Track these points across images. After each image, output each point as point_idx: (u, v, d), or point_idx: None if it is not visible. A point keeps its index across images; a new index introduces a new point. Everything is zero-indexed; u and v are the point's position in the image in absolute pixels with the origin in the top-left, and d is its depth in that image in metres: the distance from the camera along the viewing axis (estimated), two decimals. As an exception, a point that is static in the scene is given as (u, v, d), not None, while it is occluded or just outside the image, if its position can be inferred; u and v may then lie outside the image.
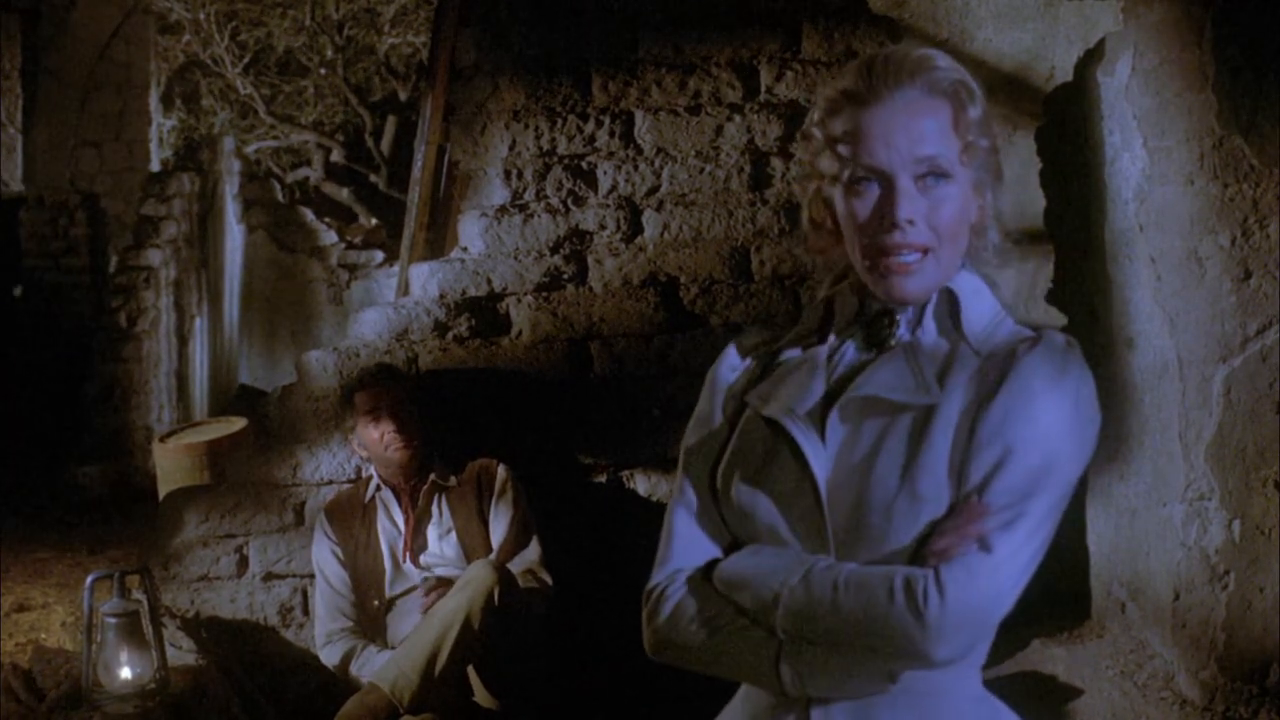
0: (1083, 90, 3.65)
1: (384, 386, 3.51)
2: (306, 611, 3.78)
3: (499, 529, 3.50)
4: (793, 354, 1.40)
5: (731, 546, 1.36)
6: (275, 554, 3.79)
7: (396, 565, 3.50)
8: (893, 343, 1.34)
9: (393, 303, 4.05)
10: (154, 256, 8.34)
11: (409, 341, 3.84)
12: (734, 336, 1.47)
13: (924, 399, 1.28)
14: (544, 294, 3.88)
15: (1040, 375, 1.26)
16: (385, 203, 12.75)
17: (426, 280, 3.93)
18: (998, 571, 1.22)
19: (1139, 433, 3.38)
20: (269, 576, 3.80)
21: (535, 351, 3.85)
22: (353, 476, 3.75)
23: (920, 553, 1.24)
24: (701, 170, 3.92)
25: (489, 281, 3.89)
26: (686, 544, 1.37)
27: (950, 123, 1.30)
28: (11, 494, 7.08)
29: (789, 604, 1.26)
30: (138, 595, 3.08)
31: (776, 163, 3.92)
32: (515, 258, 3.90)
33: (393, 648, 3.38)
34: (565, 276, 3.89)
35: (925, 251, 1.30)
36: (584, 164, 3.96)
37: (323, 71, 13.49)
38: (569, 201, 3.94)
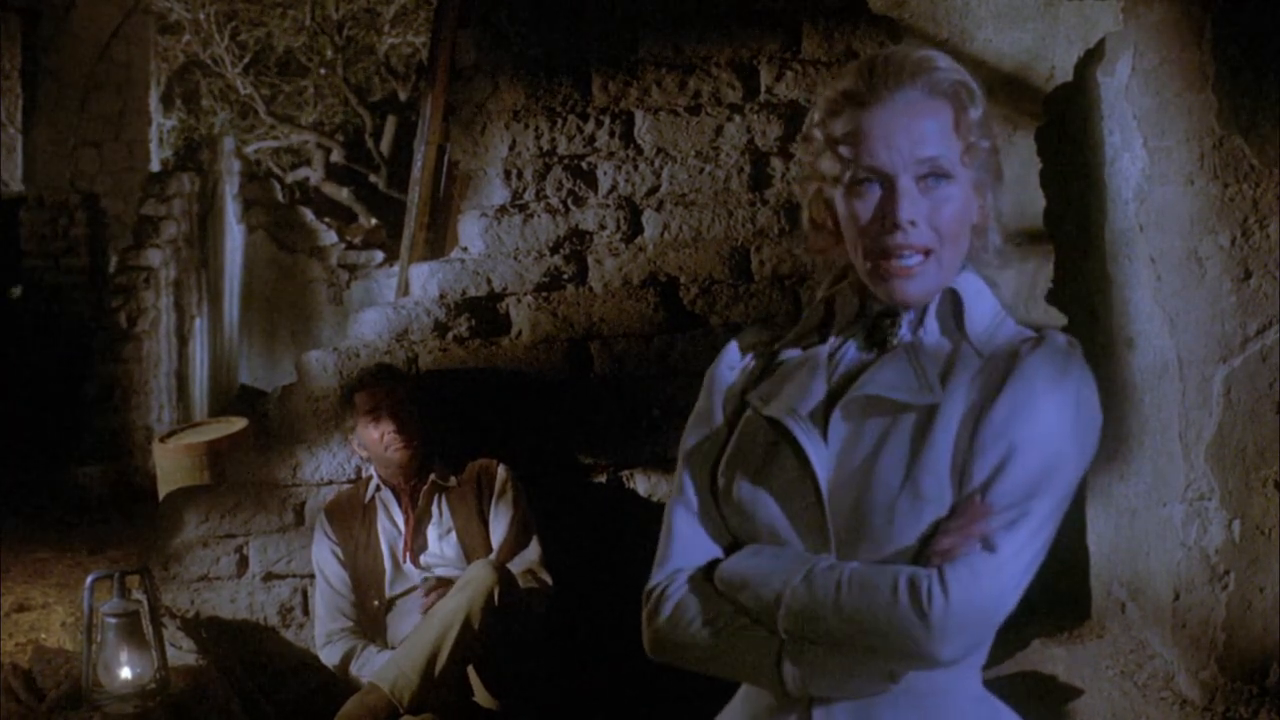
0: (1083, 90, 3.65)
1: (384, 386, 3.51)
2: (306, 611, 3.78)
3: (499, 529, 3.50)
4: (793, 354, 1.40)
5: (731, 546, 1.36)
6: (275, 554, 3.79)
7: (396, 565, 3.50)
8: (894, 343, 1.34)
9: (393, 303, 4.05)
10: (154, 256, 8.35)
11: (409, 341, 3.84)
12: (734, 336, 1.47)
13: (926, 399, 1.28)
14: (544, 294, 3.88)
15: (1043, 376, 1.26)
16: (385, 203, 12.75)
17: (426, 280, 3.93)
18: (1001, 571, 1.22)
19: (1139, 433, 3.38)
20: (269, 576, 3.80)
21: (535, 351, 3.85)
22: (353, 476, 3.75)
23: (923, 552, 1.24)
24: (701, 170, 3.92)
25: (489, 281, 3.89)
26: (686, 544, 1.37)
27: (951, 123, 1.30)
28: (11, 494, 7.08)
29: (791, 604, 1.26)
30: (138, 595, 3.08)
31: (776, 163, 3.92)
32: (515, 258, 3.90)
33: (393, 648, 3.38)
34: (565, 276, 3.89)
35: (927, 253, 1.30)
36: (584, 164, 3.96)
37: (323, 71, 13.50)
38: (569, 201, 3.94)
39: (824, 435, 1.31)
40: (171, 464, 5.67)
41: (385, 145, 13.40)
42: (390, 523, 3.52)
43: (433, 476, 3.53)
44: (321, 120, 13.91)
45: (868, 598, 1.23)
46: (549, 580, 3.47)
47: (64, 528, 6.42)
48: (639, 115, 3.95)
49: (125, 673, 2.99)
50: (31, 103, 10.19)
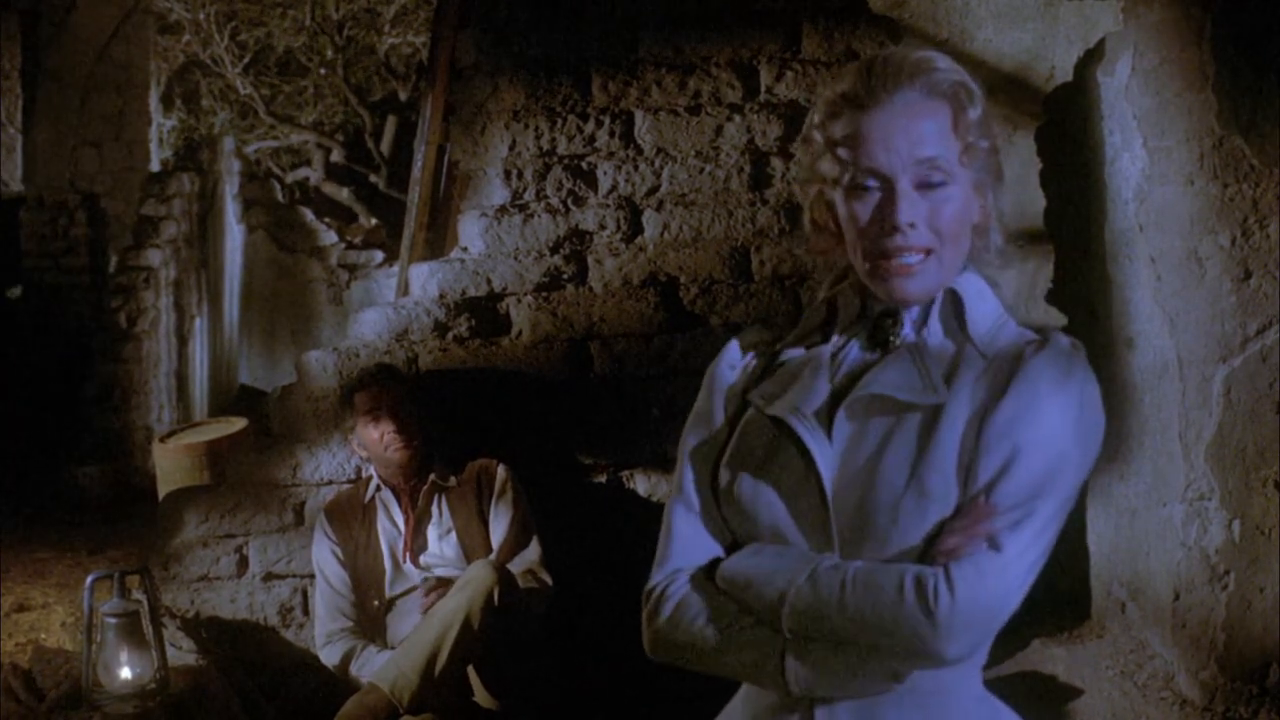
0: (1083, 90, 3.65)
1: (384, 386, 3.51)
2: (306, 611, 3.78)
3: (499, 529, 3.50)
4: (795, 353, 1.40)
5: (731, 546, 1.36)
6: (275, 554, 3.79)
7: (396, 565, 3.50)
8: (897, 343, 1.34)
9: (393, 303, 4.05)
10: (154, 256, 8.35)
11: (409, 341, 3.84)
12: (734, 336, 1.47)
13: (931, 399, 1.28)
14: (544, 294, 3.88)
15: (1047, 378, 1.27)
16: (385, 203, 12.75)
17: (426, 280, 3.93)
18: (1006, 570, 1.23)
19: (1139, 433, 3.38)
20: (269, 576, 3.80)
21: (535, 351, 3.85)
22: (353, 476, 3.75)
23: (928, 552, 1.24)
24: (701, 170, 3.92)
25: (489, 281, 3.89)
26: (687, 543, 1.37)
27: (950, 124, 1.31)
28: (11, 494, 7.08)
29: (796, 602, 1.26)
30: (138, 595, 3.08)
31: (776, 163, 3.92)
32: (515, 258, 3.90)
33: (393, 648, 3.38)
34: (565, 276, 3.89)
35: (927, 253, 1.30)
36: (584, 164, 3.96)
37: (323, 71, 13.49)
38: (569, 201, 3.94)
39: (828, 434, 1.31)
40: (171, 464, 5.66)
41: (385, 145, 13.40)
42: (390, 523, 3.52)
43: (433, 476, 3.53)
44: (321, 120, 13.91)
45: (873, 596, 1.23)
46: (549, 580, 3.47)
47: (64, 528, 6.42)
48: (639, 115, 3.95)
49: (125, 673, 2.99)
50: (31, 103, 10.18)
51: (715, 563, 1.35)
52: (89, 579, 3.03)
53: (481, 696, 3.32)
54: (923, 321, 1.34)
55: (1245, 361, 2.97)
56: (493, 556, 3.42)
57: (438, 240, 4.67)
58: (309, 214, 10.87)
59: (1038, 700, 3.31)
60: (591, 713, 3.62)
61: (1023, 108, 3.84)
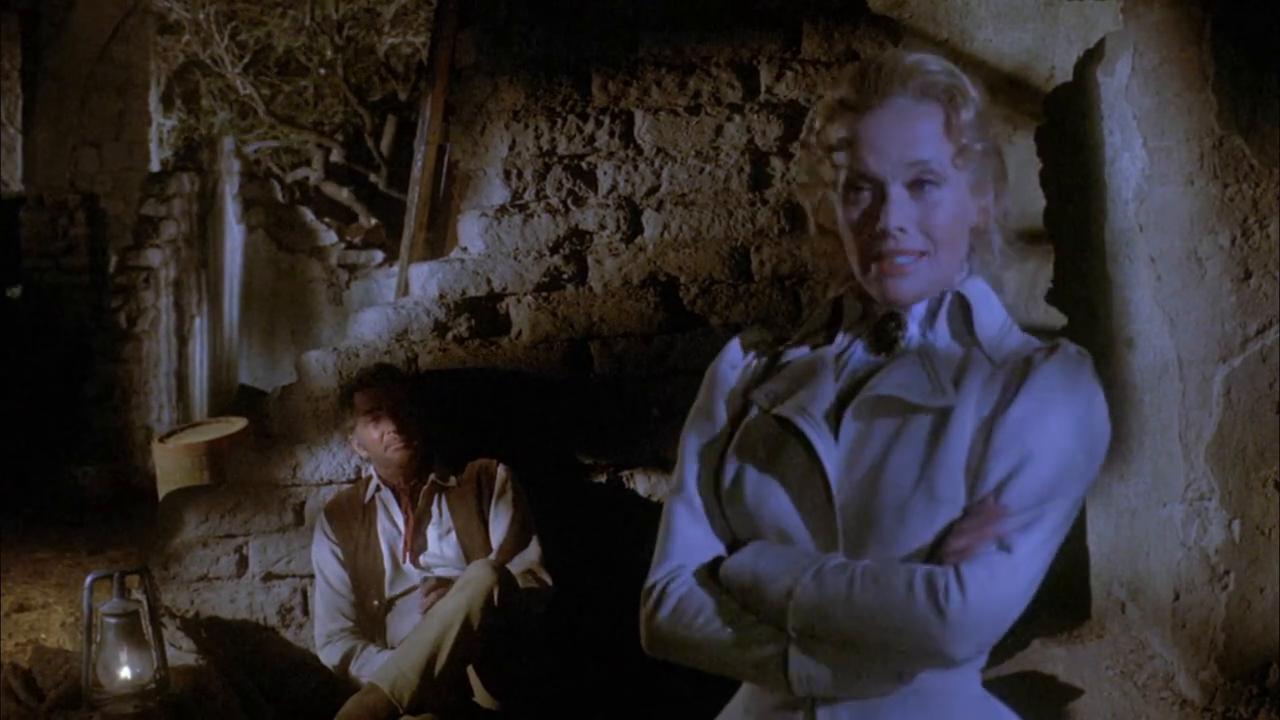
0: (1083, 90, 3.65)
1: (384, 386, 3.51)
2: (306, 611, 3.78)
3: (499, 529, 3.50)
4: (799, 353, 1.41)
5: (732, 545, 1.35)
6: (275, 554, 3.79)
7: (396, 565, 3.50)
8: (901, 345, 1.35)
9: (392, 303, 4.05)
10: (154, 256, 8.35)
11: (409, 341, 3.84)
12: (734, 335, 1.47)
13: (940, 401, 1.29)
14: (544, 294, 3.88)
15: (1057, 385, 1.28)
16: (385, 203, 12.74)
17: (426, 280, 3.93)
18: (1016, 572, 1.23)
19: (1139, 433, 3.38)
20: (269, 576, 3.80)
21: (535, 351, 3.85)
22: (353, 476, 3.75)
23: (937, 552, 1.24)
24: (701, 170, 3.92)
25: (489, 281, 3.89)
26: (687, 541, 1.36)
27: (943, 127, 1.31)
28: (11, 494, 7.08)
29: (801, 600, 1.26)
30: (138, 595, 3.08)
31: (776, 163, 3.92)
32: (515, 258, 3.90)
33: (392, 648, 3.38)
34: (565, 276, 3.89)
35: (920, 255, 1.31)
36: (584, 164, 3.96)
37: (323, 71, 13.49)
38: (569, 201, 3.94)
39: (834, 435, 1.31)
40: (171, 464, 5.67)
41: (385, 145, 13.40)
42: (390, 523, 3.52)
43: (432, 476, 3.53)
44: (321, 120, 13.90)
45: (882, 595, 1.23)
46: (549, 580, 3.47)
47: (64, 528, 6.42)
48: (639, 115, 3.95)
49: (125, 673, 2.99)
50: (31, 103, 10.18)
51: (716, 561, 1.35)
52: (89, 579, 3.03)
53: (481, 696, 3.32)
54: (929, 324, 1.35)
55: (1245, 361, 2.97)
56: (492, 556, 3.42)
57: (438, 240, 4.67)
58: (309, 214, 10.87)
59: (1038, 700, 3.31)
60: (591, 713, 3.62)
61: (1023, 108, 3.85)
